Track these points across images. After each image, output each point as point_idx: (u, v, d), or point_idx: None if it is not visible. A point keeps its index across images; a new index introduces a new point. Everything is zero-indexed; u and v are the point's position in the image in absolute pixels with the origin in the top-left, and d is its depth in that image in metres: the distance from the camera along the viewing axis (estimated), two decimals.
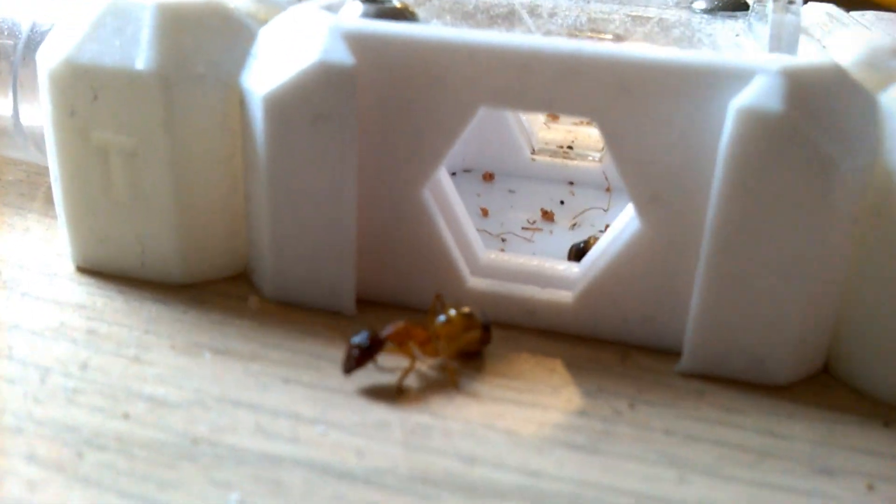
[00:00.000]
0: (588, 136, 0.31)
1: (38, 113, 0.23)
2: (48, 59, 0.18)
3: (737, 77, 0.16)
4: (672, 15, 0.23)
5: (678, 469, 0.15)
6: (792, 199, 0.16)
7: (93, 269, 0.20)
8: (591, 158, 0.28)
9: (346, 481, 0.14)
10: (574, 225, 0.24)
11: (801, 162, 0.16)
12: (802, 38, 0.19)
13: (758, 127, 0.16)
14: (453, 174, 0.28)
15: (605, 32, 0.21)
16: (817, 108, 0.16)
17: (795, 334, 0.17)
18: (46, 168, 0.25)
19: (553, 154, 0.29)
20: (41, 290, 0.19)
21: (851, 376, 0.18)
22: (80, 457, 0.14)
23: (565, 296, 0.19)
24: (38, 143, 0.24)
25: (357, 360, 0.16)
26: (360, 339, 0.16)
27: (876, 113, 0.17)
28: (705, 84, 0.16)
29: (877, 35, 0.19)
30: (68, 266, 0.20)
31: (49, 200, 0.24)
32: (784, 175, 0.16)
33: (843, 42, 0.19)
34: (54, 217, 0.22)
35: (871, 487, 0.15)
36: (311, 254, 0.19)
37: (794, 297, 0.17)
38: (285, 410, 0.16)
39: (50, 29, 0.22)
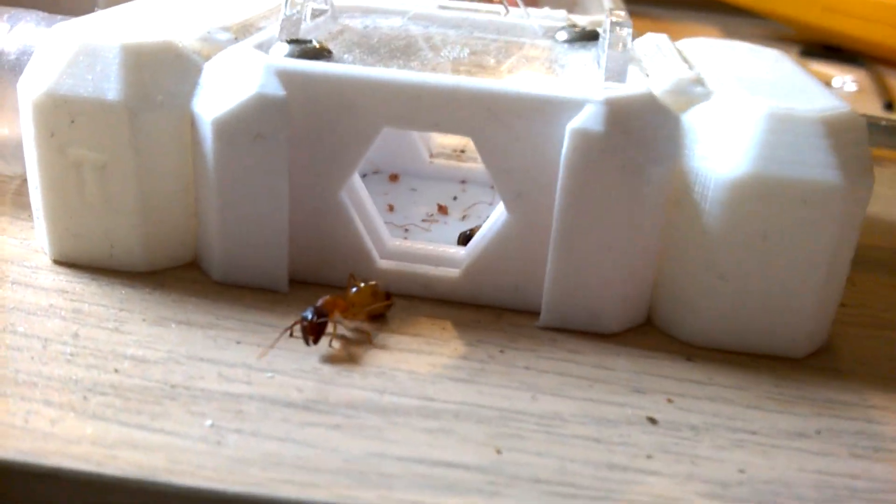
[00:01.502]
0: None
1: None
2: (31, 91, 0.23)
3: (573, 105, 0.22)
4: (538, 45, 0.29)
5: (532, 392, 0.20)
6: (614, 195, 0.22)
7: (68, 262, 0.24)
8: (479, 160, 0.34)
9: (291, 408, 0.19)
10: (464, 217, 0.30)
11: (618, 168, 0.21)
12: (633, 68, 0.25)
13: (586, 143, 0.21)
14: (364, 175, 0.33)
15: (482, 63, 0.26)
16: (631, 127, 0.22)
17: (621, 293, 0.23)
18: (9, 177, 0.29)
19: (448, 157, 0.34)
20: (27, 279, 0.24)
21: (665, 324, 0.24)
22: (85, 400, 0.19)
23: (454, 272, 0.24)
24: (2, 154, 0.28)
25: (309, 328, 0.21)
26: (306, 313, 0.21)
27: (679, 129, 0.23)
28: (550, 111, 0.22)
29: (684, 67, 0.25)
30: (46, 260, 0.25)
31: (17, 204, 0.28)
32: (607, 177, 0.22)
33: (661, 71, 0.25)
34: (24, 218, 0.27)
35: (670, 401, 0.21)
36: (251, 244, 0.24)
37: (619, 266, 0.23)
38: (240, 363, 0.21)
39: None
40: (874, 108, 0.52)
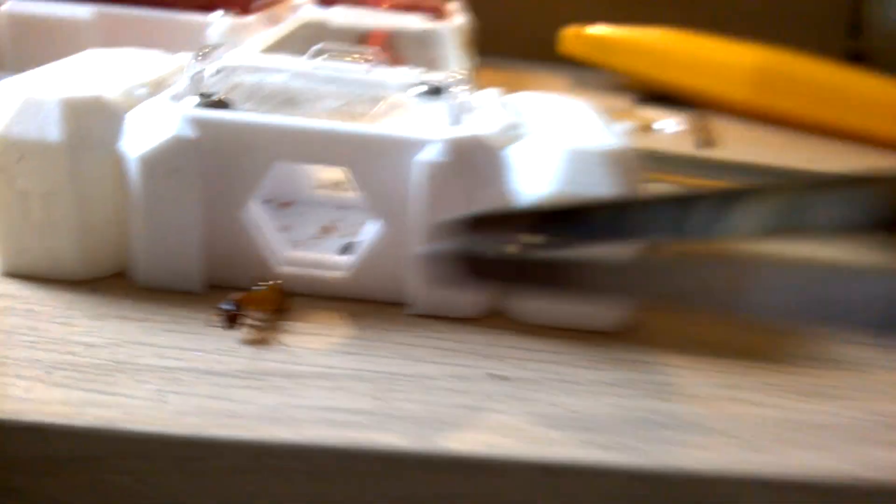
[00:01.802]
0: None
1: None
2: None
3: (420, 144, 0.28)
4: (398, 97, 0.35)
5: (407, 360, 0.27)
6: (454, 211, 0.28)
7: (17, 274, 0.29)
8: (354, 190, 0.40)
9: (217, 376, 0.25)
10: (344, 235, 0.36)
11: (455, 191, 0.28)
12: (468, 115, 0.32)
13: (429, 172, 0.28)
14: (262, 203, 0.38)
15: (353, 112, 0.32)
16: (464, 160, 0.28)
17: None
18: None
19: (328, 188, 0.40)
20: None
21: (510, 310, 0.30)
22: (49, 374, 0.24)
23: (341, 274, 0.30)
24: None
25: (226, 317, 0.26)
26: (224, 304, 0.27)
27: (500, 162, 0.29)
28: (404, 148, 0.28)
29: (508, 115, 0.32)
30: None
31: None
32: (447, 197, 0.28)
33: (490, 118, 0.32)
34: None
35: (513, 363, 0.27)
36: (171, 255, 0.29)
37: None
38: (171, 345, 0.26)
39: None
40: (690, 146, 0.62)
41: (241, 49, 0.41)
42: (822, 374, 0.29)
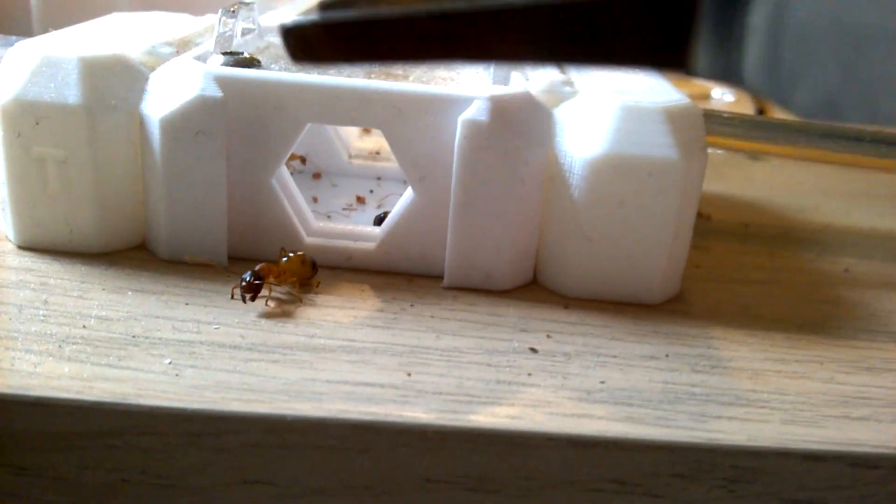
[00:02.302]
0: None
1: None
2: (0, 97, 0.26)
3: (464, 102, 0.26)
4: None
5: (437, 333, 0.25)
6: (499, 174, 0.26)
7: (31, 247, 0.28)
8: (392, 160, 0.38)
9: (235, 350, 0.23)
10: (379, 206, 0.34)
11: (501, 152, 0.26)
12: (515, 73, 0.30)
13: (475, 131, 0.26)
14: (292, 173, 0.37)
15: (390, 73, 0.31)
16: (511, 119, 0.27)
17: (510, 257, 0.28)
18: None
19: (365, 158, 0.39)
20: None
21: (547, 281, 0.28)
22: (60, 348, 0.23)
23: (370, 245, 0.29)
24: None
25: (246, 287, 0.25)
26: (245, 275, 0.25)
27: (551, 120, 0.28)
28: (446, 106, 0.27)
29: (556, 72, 0.30)
30: (11, 246, 0.28)
31: None
32: (493, 160, 0.26)
33: (538, 75, 0.30)
34: None
35: (549, 336, 0.25)
36: (194, 225, 0.28)
37: (507, 234, 0.27)
38: (190, 318, 0.25)
39: None
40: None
41: (276, 12, 0.39)
42: (873, 346, 0.27)
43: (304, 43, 0.19)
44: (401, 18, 0.18)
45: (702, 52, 0.17)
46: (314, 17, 0.19)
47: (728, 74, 0.17)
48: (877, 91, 0.16)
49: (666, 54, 0.18)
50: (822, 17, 0.16)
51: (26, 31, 0.46)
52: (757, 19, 0.17)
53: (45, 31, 0.43)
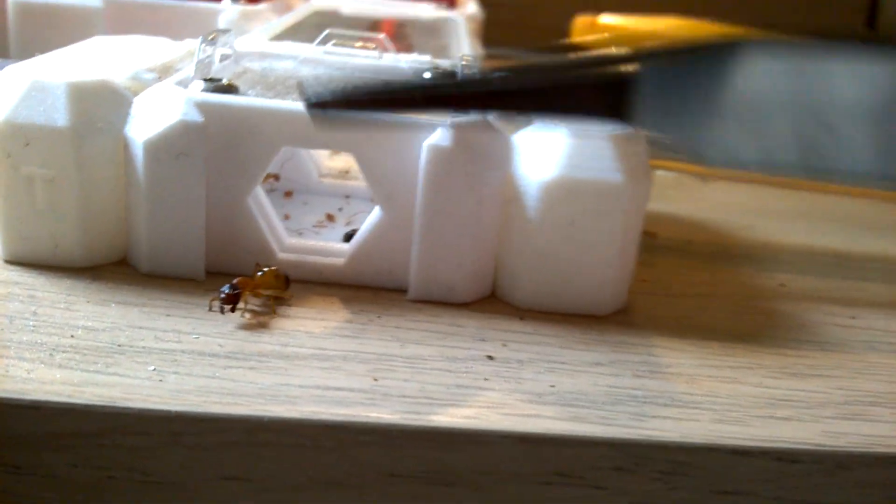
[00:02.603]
0: None
1: None
2: None
3: (429, 128, 0.29)
4: None
5: (402, 342, 0.27)
6: (461, 195, 0.29)
7: (18, 261, 0.30)
8: (361, 179, 0.40)
9: (215, 357, 0.25)
10: (348, 223, 0.36)
11: (462, 174, 0.28)
12: None
13: (438, 155, 0.28)
14: (266, 192, 0.38)
15: None
16: (472, 145, 0.29)
17: (470, 272, 0.30)
18: None
19: (335, 177, 0.41)
20: None
21: (505, 294, 0.31)
22: (51, 356, 0.24)
23: (339, 261, 0.31)
24: None
25: (226, 299, 0.27)
26: (224, 288, 0.27)
27: (509, 146, 0.30)
28: (412, 132, 0.29)
29: None
30: None
31: None
32: (454, 181, 0.28)
33: None
34: None
35: (504, 345, 0.28)
36: (174, 241, 0.29)
37: (468, 250, 0.29)
38: (171, 329, 0.26)
39: None
40: None
41: (250, 36, 0.41)
42: (801, 354, 0.29)
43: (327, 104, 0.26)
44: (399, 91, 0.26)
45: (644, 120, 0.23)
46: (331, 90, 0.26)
47: (669, 139, 0.22)
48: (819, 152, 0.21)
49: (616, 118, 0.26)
50: (725, 87, 0.21)
51: (3, 52, 0.47)
52: (693, 103, 0.21)
53: (22, 51, 0.45)
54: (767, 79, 0.21)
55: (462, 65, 0.33)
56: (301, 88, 0.26)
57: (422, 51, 0.43)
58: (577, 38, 0.82)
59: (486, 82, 0.27)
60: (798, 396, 0.26)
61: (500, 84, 0.26)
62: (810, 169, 0.22)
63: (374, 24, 0.56)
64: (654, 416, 0.24)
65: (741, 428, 0.24)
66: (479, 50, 0.56)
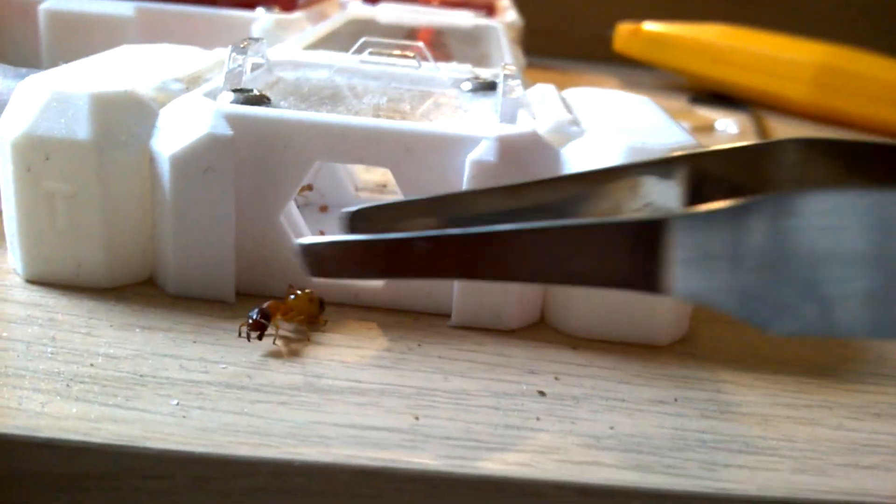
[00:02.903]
0: None
1: None
2: (10, 132, 0.26)
3: (472, 141, 0.26)
4: (446, 94, 0.34)
5: (445, 374, 0.25)
6: None
7: (39, 281, 0.28)
8: (398, 193, 0.38)
9: (243, 391, 0.23)
10: None
11: None
12: (523, 112, 0.30)
13: (482, 171, 0.26)
14: (299, 207, 0.37)
15: (398, 109, 0.31)
16: (519, 159, 0.27)
17: (518, 297, 0.28)
18: None
19: (371, 190, 0.39)
20: (4, 295, 0.27)
21: (555, 322, 0.28)
22: (68, 387, 0.22)
23: (377, 283, 0.29)
24: None
25: (252, 326, 0.25)
26: (252, 313, 0.25)
27: (558, 160, 0.28)
28: (454, 146, 0.27)
29: (564, 111, 0.30)
30: (18, 280, 0.28)
31: None
32: None
33: (546, 114, 0.30)
34: None
35: (557, 378, 0.25)
36: (202, 261, 0.28)
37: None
38: (197, 357, 0.25)
39: None
40: None
41: (284, 45, 0.40)
42: (882, 390, 0.27)
43: (317, 260, 0.21)
44: (402, 241, 0.20)
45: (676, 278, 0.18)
46: (327, 238, 0.21)
47: (702, 298, 0.18)
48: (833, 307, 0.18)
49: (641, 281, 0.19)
50: (779, 245, 0.17)
51: (34, 62, 0.46)
52: (720, 248, 0.18)
53: (53, 60, 0.43)
54: (835, 232, 0.18)
55: (505, 75, 0.31)
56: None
57: (461, 59, 0.41)
58: (619, 47, 0.80)
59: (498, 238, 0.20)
60: (882, 441, 0.24)
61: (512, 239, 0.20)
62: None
63: (411, 33, 0.54)
64: (726, 465, 0.22)
65: (823, 479, 0.22)
66: (521, 58, 0.54)
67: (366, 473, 0.21)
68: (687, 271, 0.18)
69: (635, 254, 0.18)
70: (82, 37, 0.45)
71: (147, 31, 0.46)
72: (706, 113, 0.69)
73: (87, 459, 0.21)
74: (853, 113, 0.70)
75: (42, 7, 0.45)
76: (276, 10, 0.50)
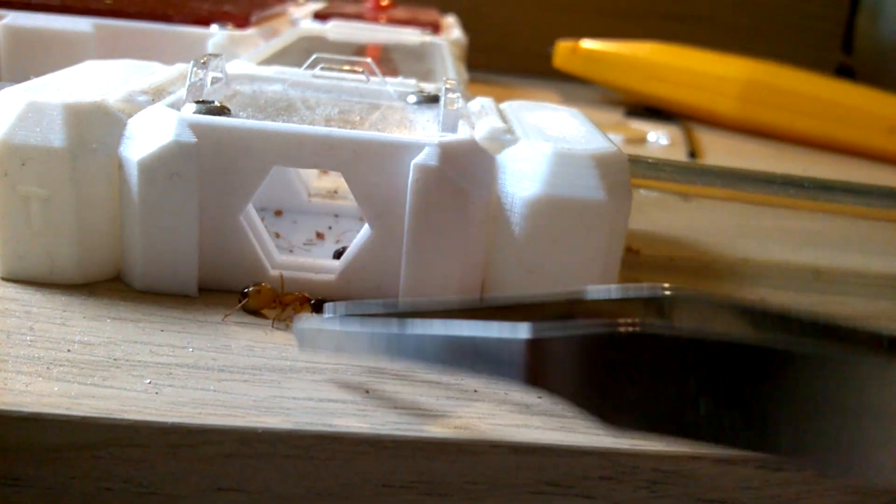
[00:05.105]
0: None
1: None
2: None
3: (416, 148, 0.29)
4: (393, 106, 0.37)
5: None
6: (448, 213, 0.29)
7: (15, 278, 0.30)
8: (349, 199, 0.41)
9: (209, 371, 0.26)
10: (338, 241, 0.37)
11: (449, 193, 0.29)
12: (462, 122, 0.33)
13: (425, 174, 0.29)
14: (258, 210, 0.39)
15: (348, 120, 0.34)
16: (458, 164, 0.30)
17: (457, 287, 0.30)
18: None
19: (324, 196, 0.42)
20: None
21: None
22: (48, 370, 0.25)
23: (330, 277, 0.31)
24: None
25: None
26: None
27: (494, 165, 0.31)
28: (400, 152, 0.30)
29: (500, 121, 0.33)
30: None
31: None
32: (441, 200, 0.29)
33: (483, 124, 0.33)
34: None
35: None
36: (167, 259, 0.30)
37: (455, 267, 0.30)
38: (166, 343, 0.27)
39: None
40: (680, 157, 0.63)
41: (239, 60, 0.42)
42: None
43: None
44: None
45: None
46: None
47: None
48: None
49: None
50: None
51: None
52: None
53: (13, 75, 0.45)
54: None
55: (446, 88, 0.34)
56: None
57: (407, 74, 0.44)
58: (559, 63, 0.84)
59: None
60: None
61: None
62: None
63: (360, 49, 0.57)
64: None
65: None
66: (465, 73, 0.57)
67: (322, 438, 0.23)
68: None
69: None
70: (42, 52, 0.47)
71: (105, 46, 0.48)
72: (639, 126, 0.73)
73: (69, 431, 0.23)
74: (777, 125, 0.75)
75: (2, 23, 0.47)
76: (230, 26, 0.52)
